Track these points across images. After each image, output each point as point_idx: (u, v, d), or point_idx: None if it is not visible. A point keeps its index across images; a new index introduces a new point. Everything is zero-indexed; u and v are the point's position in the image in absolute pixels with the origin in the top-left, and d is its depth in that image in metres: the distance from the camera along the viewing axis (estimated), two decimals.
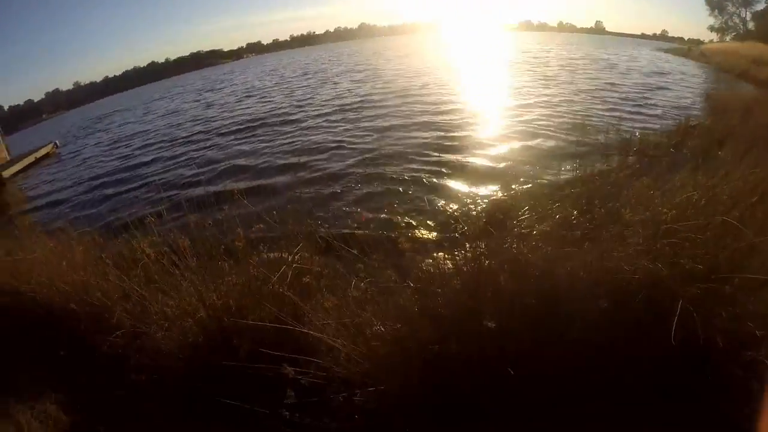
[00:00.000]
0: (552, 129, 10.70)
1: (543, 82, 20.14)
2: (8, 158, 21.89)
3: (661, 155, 7.04)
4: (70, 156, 20.90)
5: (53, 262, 4.42)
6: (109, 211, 7.41)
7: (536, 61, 33.57)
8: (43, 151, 22.93)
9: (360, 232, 5.48)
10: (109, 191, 10.87)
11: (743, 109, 10.76)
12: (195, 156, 12.09)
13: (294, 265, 3.20)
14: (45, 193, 13.72)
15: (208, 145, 13.35)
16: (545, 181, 6.67)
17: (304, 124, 13.44)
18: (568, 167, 7.50)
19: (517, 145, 9.51)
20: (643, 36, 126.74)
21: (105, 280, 3.82)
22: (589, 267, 2.69)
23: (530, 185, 6.64)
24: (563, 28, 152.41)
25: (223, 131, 15.08)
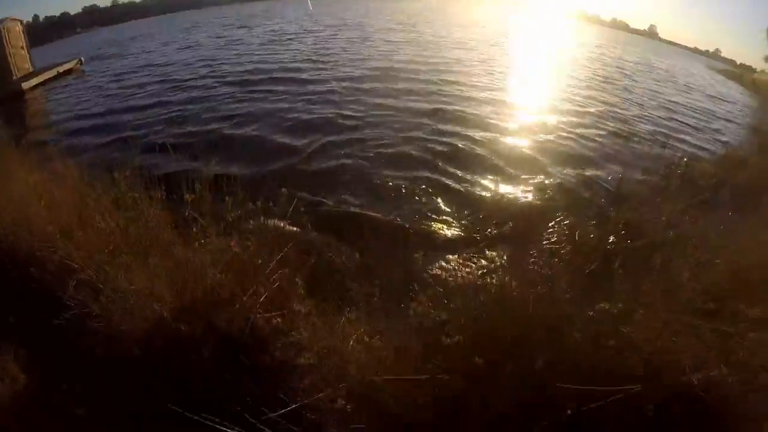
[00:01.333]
0: (601, 136, 9.67)
1: (598, 83, 18.11)
2: (31, 70, 21.47)
3: (707, 187, 6.31)
4: (91, 75, 20.35)
5: (31, 201, 3.98)
6: (105, 146, 6.92)
7: (592, 57, 30.17)
8: (66, 66, 22.47)
9: (370, 213, 4.91)
10: (113, 125, 10.40)
11: None
12: (205, 104, 11.31)
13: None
14: (56, 111, 13.33)
15: (223, 93, 12.47)
16: (585, 195, 5.97)
17: (327, 86, 12.39)
18: (610, 180, 6.87)
19: (559, 146, 8.52)
20: (695, 50, 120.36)
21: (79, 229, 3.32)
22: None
23: (567, 191, 5.95)
24: (616, 24, 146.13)
25: (248, 79, 14.07)
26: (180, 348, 2.34)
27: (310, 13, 44.27)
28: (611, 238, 3.79)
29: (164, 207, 3.17)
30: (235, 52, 20.88)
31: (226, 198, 2.95)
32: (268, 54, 19.51)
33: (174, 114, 10.93)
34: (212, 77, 14.85)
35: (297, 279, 2.42)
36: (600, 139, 9.63)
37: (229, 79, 14.38)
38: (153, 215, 3.00)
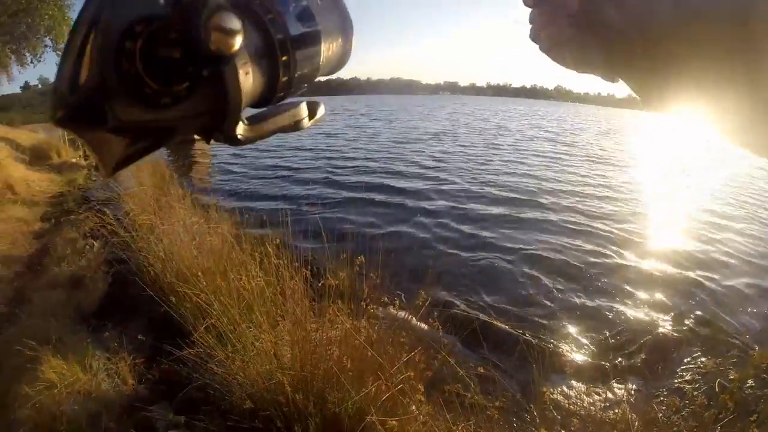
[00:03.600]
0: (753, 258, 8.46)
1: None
2: None
3: None
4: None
5: (185, 240, 4.37)
6: (261, 209, 7.44)
7: None
8: None
9: (499, 324, 4.85)
10: (269, 193, 11.45)
11: None
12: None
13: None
14: (223, 163, 14.76)
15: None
16: (729, 329, 5.32)
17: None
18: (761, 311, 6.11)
19: (706, 270, 7.47)
20: None
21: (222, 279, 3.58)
22: None
23: (708, 323, 5.41)
24: None
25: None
26: (289, 416, 2.41)
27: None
28: (749, 382, 3.52)
29: (304, 280, 3.36)
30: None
31: (364, 286, 3.08)
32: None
33: (328, 195, 11.62)
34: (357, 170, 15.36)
35: (419, 385, 2.44)
36: (757, 262, 8.31)
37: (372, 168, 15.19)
38: (291, 285, 3.18)
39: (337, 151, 20.01)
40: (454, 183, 13.34)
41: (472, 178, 14.18)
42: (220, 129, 0.35)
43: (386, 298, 3.09)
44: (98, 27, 0.27)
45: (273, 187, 12.29)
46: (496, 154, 20.05)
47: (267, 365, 2.62)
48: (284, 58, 0.38)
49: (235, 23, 0.29)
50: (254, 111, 0.40)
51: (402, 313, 3.28)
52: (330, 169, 14.88)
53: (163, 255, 4.17)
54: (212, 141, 0.38)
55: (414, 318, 3.29)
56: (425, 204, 10.88)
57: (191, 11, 0.29)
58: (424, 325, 3.50)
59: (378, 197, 11.42)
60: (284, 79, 0.39)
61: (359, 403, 2.23)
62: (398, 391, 2.26)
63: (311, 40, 0.40)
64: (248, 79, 0.34)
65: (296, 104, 0.42)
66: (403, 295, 3.38)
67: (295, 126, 0.42)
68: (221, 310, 3.03)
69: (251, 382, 2.63)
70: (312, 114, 0.44)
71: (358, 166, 15.81)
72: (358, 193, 11.65)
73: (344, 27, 0.46)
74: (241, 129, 0.36)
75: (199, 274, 3.43)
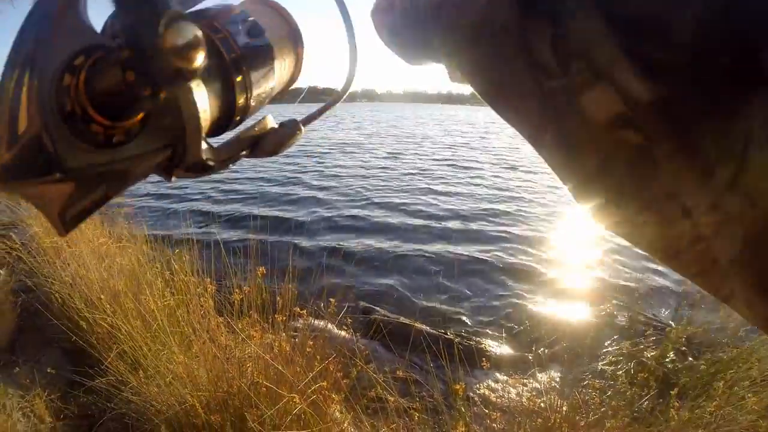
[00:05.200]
0: None
1: None
2: None
3: None
4: None
5: (93, 263, 4.18)
6: (171, 217, 7.14)
7: None
8: None
9: (419, 325, 4.82)
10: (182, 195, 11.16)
11: None
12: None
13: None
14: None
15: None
16: (646, 311, 5.54)
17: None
18: (675, 288, 6.29)
19: (621, 253, 8.01)
20: None
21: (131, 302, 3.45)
22: None
23: (626, 306, 5.62)
24: None
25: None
26: None
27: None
28: (670, 356, 3.74)
29: (214, 296, 3.29)
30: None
31: (278, 297, 3.05)
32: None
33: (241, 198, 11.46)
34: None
35: (333, 395, 2.44)
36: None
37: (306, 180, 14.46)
38: (202, 302, 3.12)
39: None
40: (356, 192, 12.92)
41: (376, 185, 13.91)
42: (181, 161, 0.31)
43: (299, 309, 3.06)
44: (32, 66, 0.24)
45: (183, 205, 11.83)
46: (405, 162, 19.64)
47: (182, 388, 2.56)
48: (239, 79, 0.34)
49: (196, 32, 0.25)
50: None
51: (317, 323, 3.29)
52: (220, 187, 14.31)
53: (70, 280, 3.97)
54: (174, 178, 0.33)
55: (330, 327, 3.30)
56: (329, 213, 10.49)
57: (144, 25, 0.24)
58: (342, 333, 3.52)
59: (279, 213, 11.05)
60: (241, 101, 0.35)
61: (275, 418, 2.22)
62: (311, 403, 2.25)
63: (264, 57, 0.37)
64: (204, 102, 0.30)
65: (262, 118, 0.38)
66: (318, 306, 3.36)
67: (264, 142, 0.37)
68: (130, 334, 2.93)
69: (168, 408, 2.56)
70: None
71: (256, 179, 15.18)
72: (263, 209, 11.33)
73: (294, 39, 0.42)
74: (205, 153, 0.32)
75: (101, 297, 3.29)
